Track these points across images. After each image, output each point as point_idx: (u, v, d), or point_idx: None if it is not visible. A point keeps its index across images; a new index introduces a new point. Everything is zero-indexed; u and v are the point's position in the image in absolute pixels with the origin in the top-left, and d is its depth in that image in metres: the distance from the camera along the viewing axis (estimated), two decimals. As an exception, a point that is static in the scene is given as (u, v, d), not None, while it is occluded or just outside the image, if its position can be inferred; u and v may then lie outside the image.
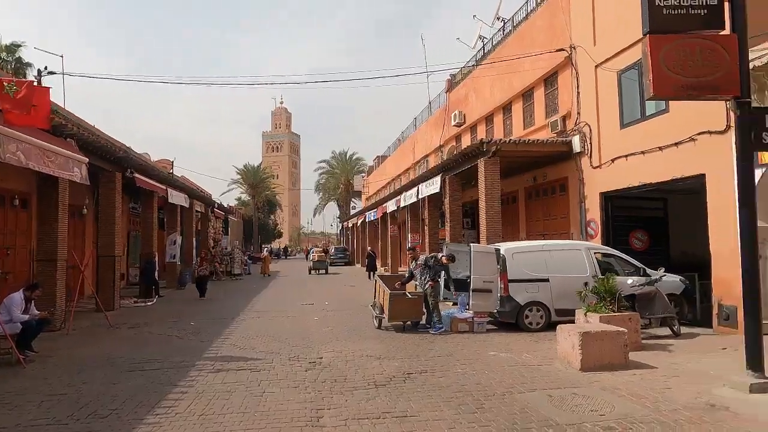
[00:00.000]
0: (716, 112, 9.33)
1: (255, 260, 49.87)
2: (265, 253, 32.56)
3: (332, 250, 45.52)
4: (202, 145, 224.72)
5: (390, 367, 7.23)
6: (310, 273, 30.94)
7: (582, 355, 6.82)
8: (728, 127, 9.17)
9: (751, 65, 7.59)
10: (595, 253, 10.57)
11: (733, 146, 9.08)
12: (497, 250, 10.46)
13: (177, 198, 20.19)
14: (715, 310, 9.53)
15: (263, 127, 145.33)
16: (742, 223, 5.91)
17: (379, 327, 10.53)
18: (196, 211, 25.91)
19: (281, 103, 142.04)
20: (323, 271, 31.27)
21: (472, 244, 10.42)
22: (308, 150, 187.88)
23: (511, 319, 10.14)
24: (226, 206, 40.05)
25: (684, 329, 9.48)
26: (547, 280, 10.11)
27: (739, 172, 5.95)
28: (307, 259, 36.83)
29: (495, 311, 10.26)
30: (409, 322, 10.55)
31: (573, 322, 8.81)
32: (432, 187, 17.48)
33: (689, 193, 12.74)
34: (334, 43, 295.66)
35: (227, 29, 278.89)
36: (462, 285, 10.61)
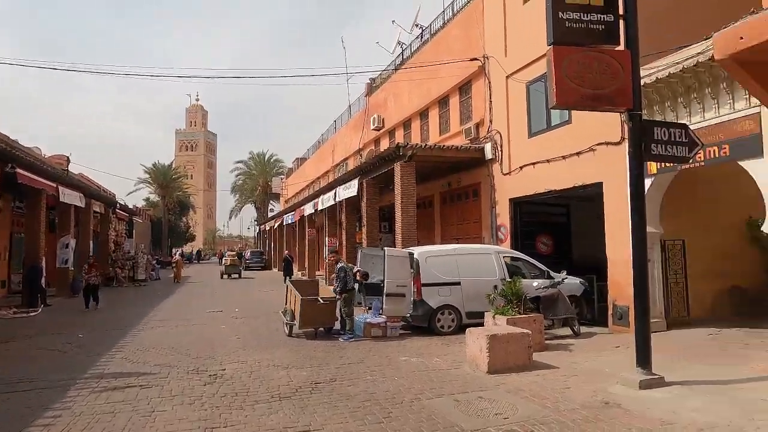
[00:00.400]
0: (613, 124, 9.96)
1: (164, 265, 46.94)
2: (177, 257, 30.59)
3: (248, 254, 43.97)
4: (108, 142, 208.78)
5: (297, 377, 6.90)
6: (222, 277, 29.63)
7: (489, 358, 6.91)
8: (622, 138, 9.82)
9: (642, 81, 8.18)
10: (504, 256, 10.89)
11: (627, 156, 9.76)
12: (411, 254, 10.46)
13: (70, 197, 18.39)
14: (610, 311, 10.15)
15: (177, 125, 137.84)
16: (633, 228, 6.25)
17: (290, 334, 10.13)
18: (95, 211, 23.82)
19: (197, 100, 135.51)
20: (236, 276, 30.10)
21: (386, 249, 10.36)
22: (226, 150, 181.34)
23: (423, 322, 10.16)
24: (131, 207, 37.30)
25: (583, 329, 10.00)
26: (458, 284, 10.25)
27: (632, 181, 6.30)
28: (220, 263, 35.21)
29: (408, 315, 10.23)
30: (321, 329, 10.25)
31: (483, 324, 8.98)
32: (349, 190, 17.30)
33: (588, 200, 13.59)
34: (255, 43, 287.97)
35: (143, 24, 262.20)
36: (376, 289, 10.49)
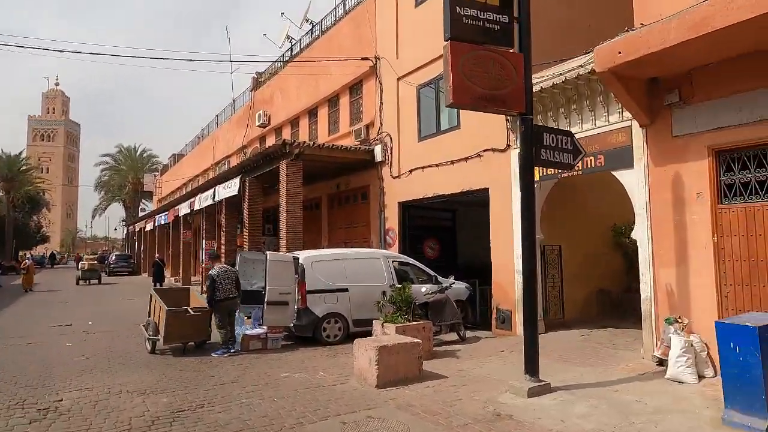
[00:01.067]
0: (499, 131, 10.15)
1: (6, 270, 40.51)
2: (28, 261, 26.24)
3: (113, 258, 39.53)
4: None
5: (156, 406, 5.82)
6: (78, 283, 26.13)
7: (378, 371, 6.43)
8: (507, 146, 10.04)
9: (537, 87, 8.33)
10: (393, 261, 10.59)
11: (513, 163, 9.99)
12: (296, 259, 9.70)
13: None
14: (493, 314, 10.30)
15: (32, 111, 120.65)
16: (523, 234, 6.18)
17: (153, 351, 8.81)
18: None
19: (56, 84, 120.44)
20: (96, 282, 26.73)
21: (268, 253, 9.48)
22: (92, 143, 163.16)
23: (308, 332, 9.45)
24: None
25: (468, 333, 10.01)
26: (346, 290, 9.71)
27: (522, 186, 6.24)
28: (77, 267, 31.09)
29: (292, 325, 9.46)
30: (192, 343, 9.08)
31: (371, 332, 8.53)
32: (230, 189, 15.99)
33: (473, 205, 13.90)
34: (138, 33, 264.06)
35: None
36: (257, 297, 9.57)
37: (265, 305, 9.10)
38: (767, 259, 6.24)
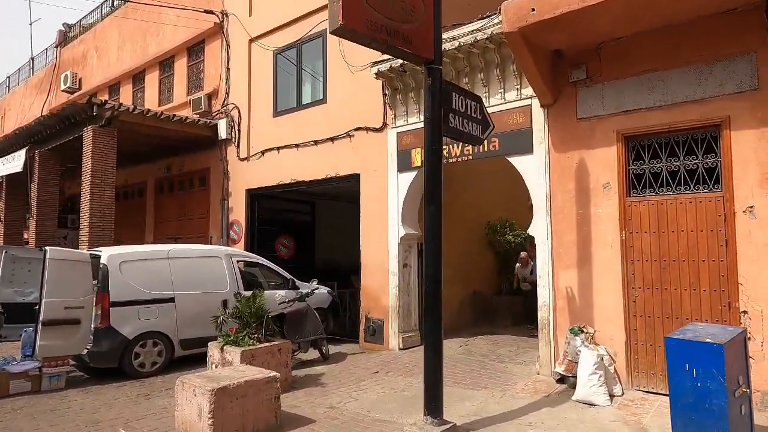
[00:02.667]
0: (374, 106, 8.56)
1: None
2: None
3: None
4: None
5: None
6: None
7: (214, 428, 4.25)
8: (384, 125, 8.49)
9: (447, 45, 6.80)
10: (238, 261, 8.29)
11: (390, 145, 8.45)
12: (95, 258, 6.87)
13: None
14: (362, 325, 8.63)
15: None
16: (428, 222, 4.57)
17: None
18: None
19: None
20: None
21: (48, 249, 6.45)
22: None
23: (111, 362, 6.71)
24: None
25: (331, 347, 8.21)
26: (171, 300, 7.18)
27: (428, 159, 4.62)
28: None
29: (85, 353, 6.62)
30: None
31: (206, 357, 6.22)
32: (12, 164, 11.91)
33: (336, 197, 12.19)
34: None
35: None
36: (32, 314, 6.51)
37: (40, 326, 6.13)
38: (680, 259, 5.55)
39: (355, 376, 6.76)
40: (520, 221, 11.42)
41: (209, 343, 6.20)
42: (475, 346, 8.31)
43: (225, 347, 5.93)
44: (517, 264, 10.21)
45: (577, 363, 5.79)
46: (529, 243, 10.09)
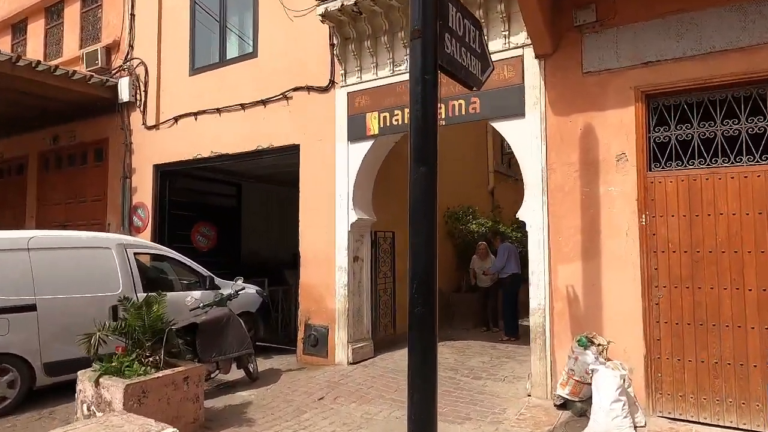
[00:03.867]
0: (318, 60, 6.88)
1: None
2: None
3: None
4: None
5: None
6: None
7: None
8: (332, 83, 6.80)
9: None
10: (136, 253, 6.28)
11: (339, 108, 6.76)
12: None
13: None
14: (300, 333, 6.93)
15: None
16: (417, 190, 2.99)
17: None
18: None
19: None
20: None
21: None
22: None
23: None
24: None
25: (260, 358, 6.48)
26: (32, 308, 5.10)
27: (414, 98, 3.01)
28: None
29: None
30: None
31: (75, 389, 4.29)
32: None
33: (268, 180, 10.39)
34: None
35: None
36: None
37: None
38: (718, 250, 4.36)
39: (293, 406, 5.08)
40: (481, 208, 10.18)
41: (79, 373, 4.26)
42: (439, 355, 6.85)
43: (102, 379, 4.04)
44: (474, 256, 8.81)
45: (587, 384, 4.49)
46: (494, 233, 8.84)
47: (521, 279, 7.97)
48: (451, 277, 9.27)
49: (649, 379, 4.55)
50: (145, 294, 5.03)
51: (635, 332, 4.62)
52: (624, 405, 4.12)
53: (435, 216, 2.93)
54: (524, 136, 5.28)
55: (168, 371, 4.22)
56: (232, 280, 6.43)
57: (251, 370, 5.98)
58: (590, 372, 4.42)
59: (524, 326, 7.99)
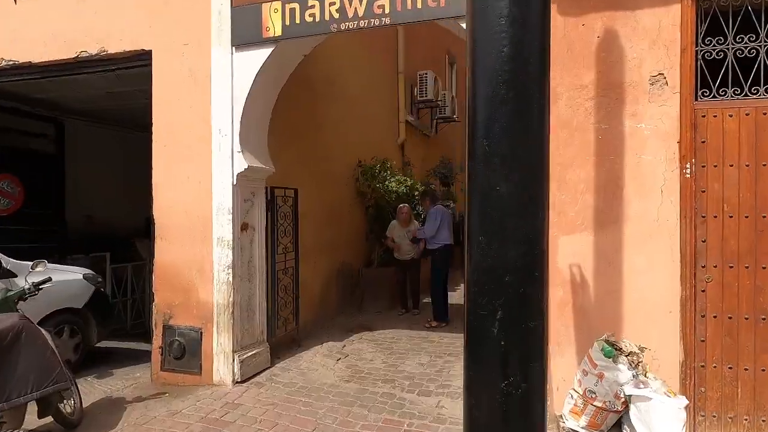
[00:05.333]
0: None
1: None
2: None
3: None
4: None
5: None
6: None
7: None
8: (205, -45, 4.36)
9: None
10: None
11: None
12: None
13: None
14: (157, 340, 4.58)
15: None
16: (476, 126, 0.99)
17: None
18: None
19: None
20: None
21: None
22: None
23: None
24: None
25: (91, 379, 4.12)
26: None
27: None
28: None
29: None
30: None
31: None
32: None
33: (103, 119, 7.52)
34: None
35: None
36: None
37: None
38: (793, 215, 3.09)
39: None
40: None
41: None
42: (360, 358, 5.06)
43: None
44: (393, 221, 6.92)
45: (613, 411, 3.02)
46: (424, 194, 7.15)
47: (453, 251, 6.45)
48: (360, 248, 7.40)
49: (686, 395, 3.22)
50: None
51: (668, 330, 3.25)
52: (688, 449, 2.72)
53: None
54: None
55: None
56: (34, 269, 3.88)
57: (69, 412, 3.62)
58: (623, 396, 2.95)
59: (454, 306, 6.58)
